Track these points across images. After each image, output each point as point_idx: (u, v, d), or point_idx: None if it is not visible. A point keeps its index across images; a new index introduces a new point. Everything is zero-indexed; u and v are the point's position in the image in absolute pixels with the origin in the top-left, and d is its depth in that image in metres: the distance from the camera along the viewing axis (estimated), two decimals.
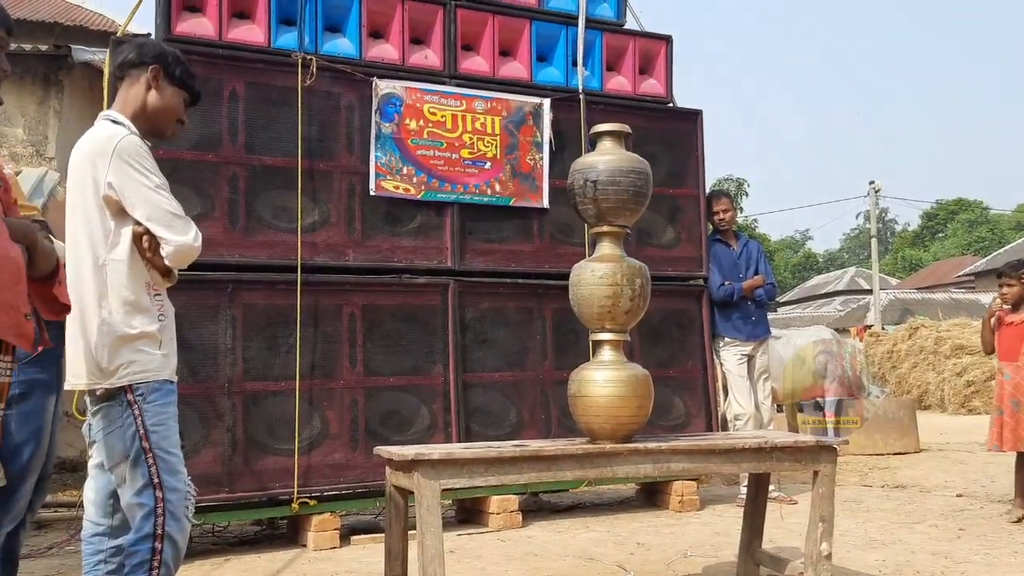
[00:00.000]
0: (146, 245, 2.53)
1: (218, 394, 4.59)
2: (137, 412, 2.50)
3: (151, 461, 2.49)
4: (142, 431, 2.49)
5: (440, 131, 5.29)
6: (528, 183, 5.52)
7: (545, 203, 5.55)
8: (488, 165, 5.41)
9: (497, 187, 5.43)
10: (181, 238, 2.54)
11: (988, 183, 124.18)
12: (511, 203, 5.46)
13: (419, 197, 5.20)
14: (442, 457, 2.95)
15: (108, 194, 2.51)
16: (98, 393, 2.53)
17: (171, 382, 2.61)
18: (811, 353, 9.18)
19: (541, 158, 5.56)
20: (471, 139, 5.37)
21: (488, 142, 5.42)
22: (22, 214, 2.52)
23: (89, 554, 2.65)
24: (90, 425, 2.63)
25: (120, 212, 2.53)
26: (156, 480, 2.49)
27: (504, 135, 5.47)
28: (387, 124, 5.15)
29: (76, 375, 2.55)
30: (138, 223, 2.53)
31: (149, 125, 2.71)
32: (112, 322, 2.50)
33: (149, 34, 5.69)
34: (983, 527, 5.09)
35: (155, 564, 2.45)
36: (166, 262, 2.56)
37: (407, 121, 5.20)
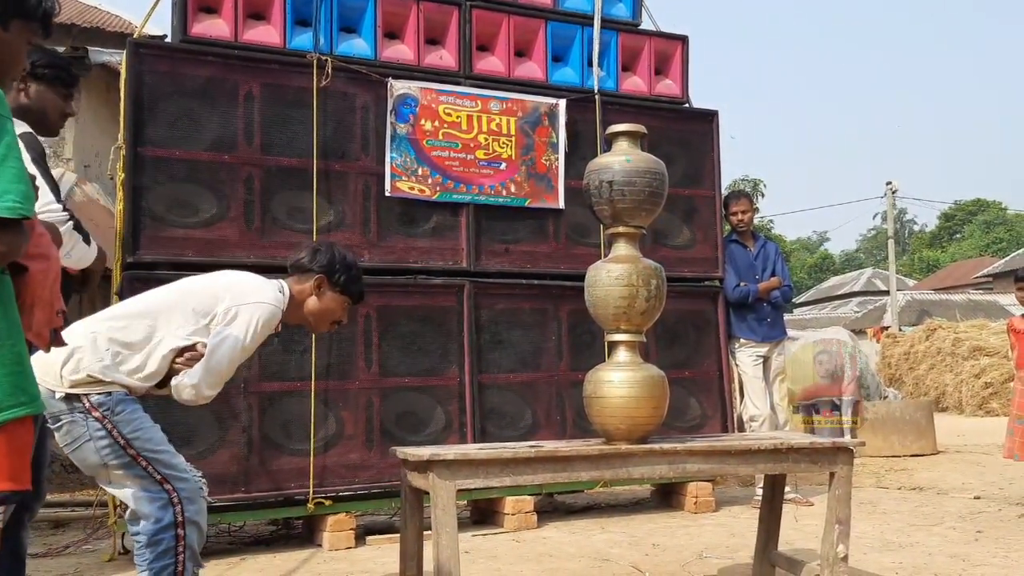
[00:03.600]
0: (184, 359, 2.66)
1: (234, 394, 4.61)
2: (110, 426, 2.56)
3: (145, 463, 2.58)
4: (122, 442, 2.56)
5: (455, 132, 5.29)
6: (544, 184, 5.51)
7: (561, 204, 5.54)
8: (503, 166, 5.41)
9: (512, 188, 5.42)
10: (204, 389, 2.67)
11: (1007, 183, 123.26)
12: (527, 204, 5.46)
13: (434, 198, 5.21)
14: (457, 457, 2.95)
15: (217, 314, 2.68)
16: (57, 396, 2.55)
17: (129, 390, 2.68)
18: (811, 353, 9.15)
19: (556, 159, 5.56)
20: (486, 140, 5.37)
21: (503, 143, 5.42)
22: None
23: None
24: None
25: (200, 329, 2.68)
26: (159, 476, 2.58)
27: (519, 136, 5.47)
28: (402, 125, 5.16)
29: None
30: (202, 344, 2.68)
31: (305, 321, 2.98)
32: (105, 360, 2.60)
33: (165, 36, 5.72)
34: (1001, 530, 5.05)
35: (180, 549, 2.55)
36: (172, 384, 2.68)
37: (422, 122, 5.21)
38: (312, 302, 2.94)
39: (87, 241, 2.95)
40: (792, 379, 8.95)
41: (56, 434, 2.62)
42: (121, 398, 2.61)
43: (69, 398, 2.55)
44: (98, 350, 2.58)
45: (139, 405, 2.67)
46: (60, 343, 2.55)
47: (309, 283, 2.93)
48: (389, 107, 5.12)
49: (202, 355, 2.65)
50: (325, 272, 2.93)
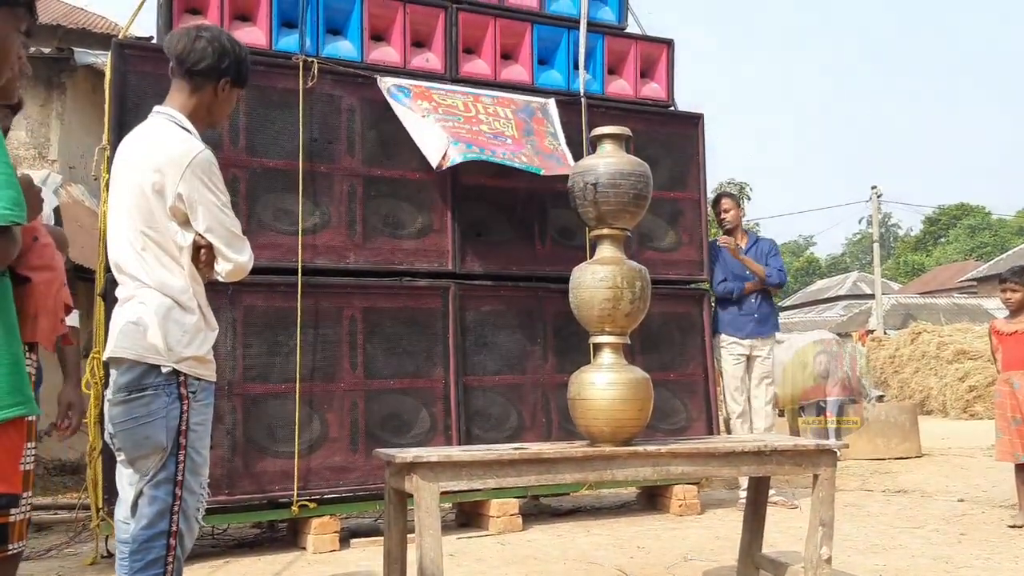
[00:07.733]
0: (203, 258, 2.56)
1: (218, 396, 4.57)
2: (186, 407, 2.48)
3: (181, 458, 2.47)
4: (183, 427, 2.48)
5: (454, 111, 5.18)
6: (552, 160, 5.28)
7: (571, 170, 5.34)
8: (509, 141, 5.23)
9: (523, 158, 5.18)
10: (238, 258, 2.57)
11: (991, 188, 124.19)
12: (541, 173, 5.16)
13: (461, 159, 4.93)
14: (441, 459, 2.94)
15: (176, 205, 2.51)
16: (164, 371, 2.45)
17: (213, 384, 2.63)
18: (811, 354, 9.17)
19: (558, 143, 5.43)
20: (487, 119, 5.26)
21: (504, 123, 5.30)
22: None
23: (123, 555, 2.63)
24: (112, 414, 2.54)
25: (184, 223, 2.54)
26: (179, 478, 2.47)
27: (518, 121, 5.36)
28: (401, 108, 5.09)
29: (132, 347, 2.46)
30: (199, 235, 2.54)
31: (207, 122, 2.73)
32: (196, 315, 2.54)
33: (151, 37, 5.70)
34: (984, 532, 5.08)
35: (170, 559, 2.45)
36: (219, 277, 2.58)
37: (419, 102, 5.14)
38: (215, 105, 2.70)
39: None
40: (793, 383, 9.00)
41: (118, 407, 2.47)
42: (206, 386, 2.56)
43: (173, 373, 2.46)
44: (190, 308, 2.50)
45: (213, 400, 2.62)
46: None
47: (211, 87, 2.66)
48: (385, 95, 5.06)
49: (207, 245, 2.53)
50: (231, 74, 2.67)
